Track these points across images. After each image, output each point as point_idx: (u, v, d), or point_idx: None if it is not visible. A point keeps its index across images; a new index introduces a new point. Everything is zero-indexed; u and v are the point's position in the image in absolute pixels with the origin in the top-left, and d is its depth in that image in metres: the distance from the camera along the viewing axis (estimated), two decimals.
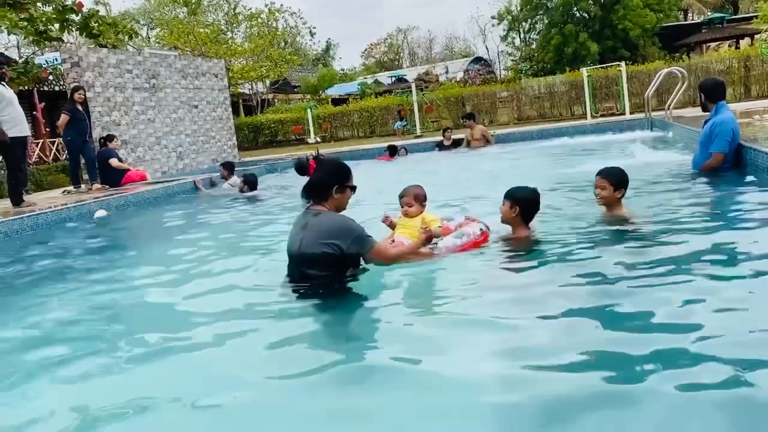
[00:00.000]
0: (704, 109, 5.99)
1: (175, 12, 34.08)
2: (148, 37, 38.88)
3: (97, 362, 2.57)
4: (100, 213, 7.87)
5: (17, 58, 22.44)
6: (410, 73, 35.11)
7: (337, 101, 28.71)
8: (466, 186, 7.27)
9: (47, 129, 19.04)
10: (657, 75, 12.79)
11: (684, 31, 31.22)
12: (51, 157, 17.62)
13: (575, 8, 31.00)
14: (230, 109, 17.33)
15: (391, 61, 56.26)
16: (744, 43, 27.81)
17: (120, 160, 11.11)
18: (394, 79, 35.62)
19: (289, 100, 35.62)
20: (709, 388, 1.85)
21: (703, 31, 30.30)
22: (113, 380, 2.40)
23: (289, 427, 1.94)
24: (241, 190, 8.91)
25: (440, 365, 2.24)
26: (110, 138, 11.21)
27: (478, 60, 41.36)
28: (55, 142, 18.03)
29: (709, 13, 33.77)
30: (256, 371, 2.36)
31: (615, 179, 3.90)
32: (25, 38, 14.87)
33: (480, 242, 3.64)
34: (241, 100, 31.93)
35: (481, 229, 3.67)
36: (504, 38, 40.52)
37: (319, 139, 22.08)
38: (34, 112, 18.13)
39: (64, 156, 14.80)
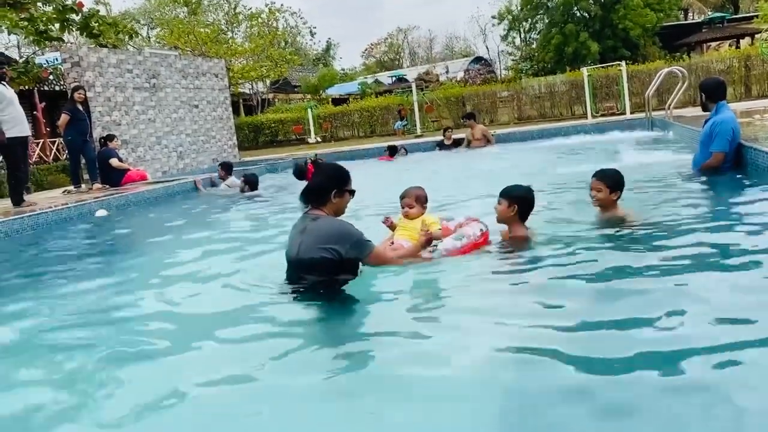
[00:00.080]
0: (704, 109, 5.99)
1: (176, 12, 34.05)
2: (149, 37, 38.87)
3: (96, 362, 2.57)
4: (101, 213, 7.87)
5: (18, 58, 22.43)
6: (410, 73, 35.08)
7: (337, 101, 28.70)
8: (467, 186, 7.27)
9: (47, 129, 19.04)
10: (657, 75, 12.79)
11: (684, 30, 31.20)
12: (51, 157, 17.62)
13: (576, 8, 30.96)
14: (230, 109, 17.33)
15: (392, 60, 56.25)
16: (744, 42, 27.79)
17: (120, 159, 11.12)
18: (394, 78, 35.60)
19: (289, 100, 35.62)
20: (708, 387, 1.85)
21: (704, 30, 30.28)
22: (113, 380, 2.39)
23: (289, 427, 1.94)
24: (242, 190, 8.92)
25: (440, 366, 2.24)
26: (110, 138, 11.22)
27: (478, 60, 41.35)
28: (55, 141, 18.03)
29: (709, 13, 33.75)
30: (256, 372, 2.35)
31: (611, 181, 3.90)
32: (25, 38, 14.90)
33: (480, 243, 3.63)
34: (241, 100, 31.92)
35: (481, 230, 3.67)
36: (504, 38, 40.49)
37: (319, 139, 22.08)
38: (35, 112, 18.12)
39: (65, 156, 14.80)
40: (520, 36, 40.61)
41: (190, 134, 15.17)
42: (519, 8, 36.11)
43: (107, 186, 10.36)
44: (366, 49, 57.92)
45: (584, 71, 18.25)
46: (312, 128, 22.21)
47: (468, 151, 12.47)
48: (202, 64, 16.18)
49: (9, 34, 20.81)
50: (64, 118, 9.87)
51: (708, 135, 5.58)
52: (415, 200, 3.82)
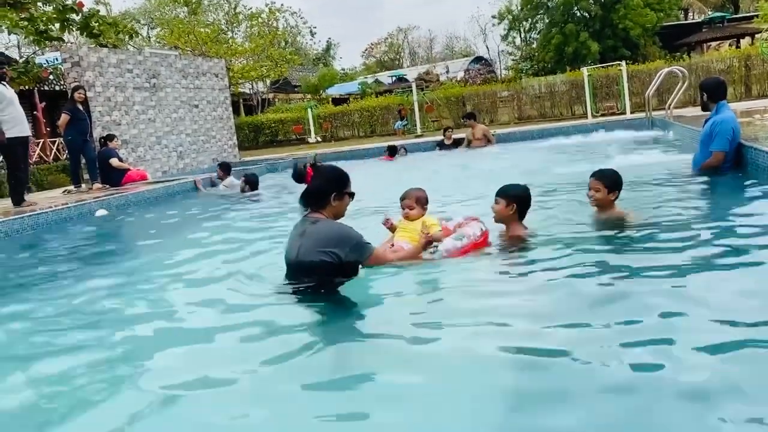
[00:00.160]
0: (704, 109, 5.99)
1: (176, 12, 34.06)
2: (149, 37, 38.87)
3: (96, 362, 2.57)
4: (101, 212, 7.88)
5: (18, 58, 22.43)
6: (411, 73, 35.08)
7: (337, 101, 28.71)
8: (467, 186, 7.27)
9: (48, 129, 19.05)
10: (657, 74, 12.81)
11: (684, 30, 31.20)
12: (51, 157, 17.63)
13: (576, 8, 30.97)
14: (231, 109, 17.33)
15: (392, 60, 56.26)
16: (744, 42, 27.79)
17: (120, 159, 11.12)
18: (394, 78, 35.59)
19: (289, 100, 35.63)
20: (708, 387, 1.85)
21: (704, 30, 30.29)
22: (112, 380, 2.39)
23: (289, 428, 1.93)
24: (242, 190, 8.92)
25: (441, 367, 2.24)
26: (111, 137, 11.22)
27: (478, 59, 41.35)
28: (55, 141, 18.04)
29: (709, 13, 33.74)
30: (255, 373, 2.35)
31: (609, 181, 3.90)
32: (25, 38, 14.91)
33: (480, 243, 3.62)
34: (241, 100, 31.93)
35: (481, 230, 3.66)
36: (504, 38, 40.48)
37: (319, 139, 22.09)
38: (35, 112, 18.13)
39: (65, 156, 14.81)
40: (520, 36, 40.61)
41: (190, 134, 15.17)
42: (519, 8, 36.11)
43: (107, 186, 10.37)
44: (366, 49, 58.00)
45: (584, 71, 18.26)
46: (312, 128, 22.21)
47: (468, 150, 12.46)
48: (202, 64, 16.18)
49: (9, 34, 20.82)
50: (64, 117, 9.87)
51: (708, 134, 5.58)
52: (415, 202, 3.80)
